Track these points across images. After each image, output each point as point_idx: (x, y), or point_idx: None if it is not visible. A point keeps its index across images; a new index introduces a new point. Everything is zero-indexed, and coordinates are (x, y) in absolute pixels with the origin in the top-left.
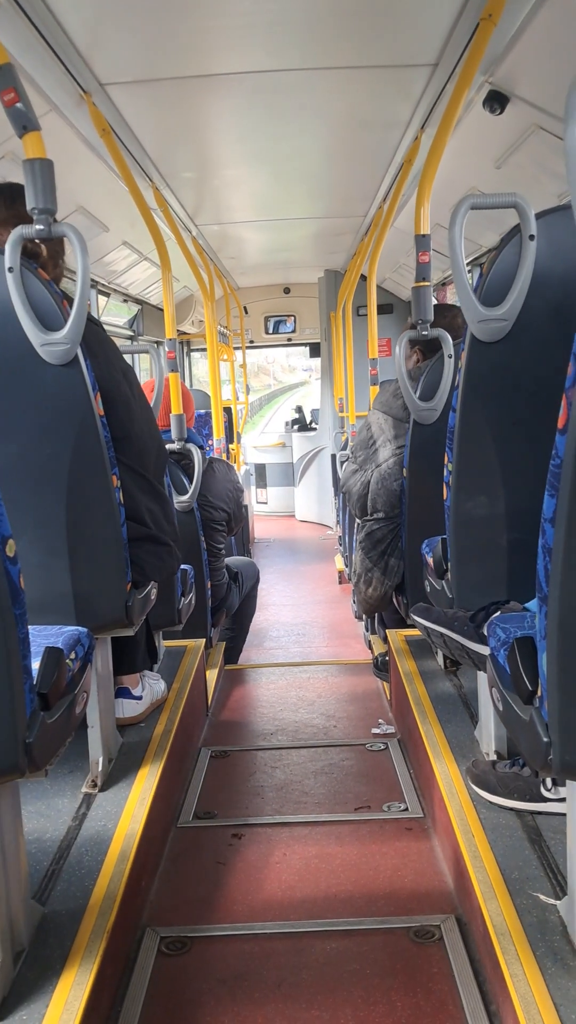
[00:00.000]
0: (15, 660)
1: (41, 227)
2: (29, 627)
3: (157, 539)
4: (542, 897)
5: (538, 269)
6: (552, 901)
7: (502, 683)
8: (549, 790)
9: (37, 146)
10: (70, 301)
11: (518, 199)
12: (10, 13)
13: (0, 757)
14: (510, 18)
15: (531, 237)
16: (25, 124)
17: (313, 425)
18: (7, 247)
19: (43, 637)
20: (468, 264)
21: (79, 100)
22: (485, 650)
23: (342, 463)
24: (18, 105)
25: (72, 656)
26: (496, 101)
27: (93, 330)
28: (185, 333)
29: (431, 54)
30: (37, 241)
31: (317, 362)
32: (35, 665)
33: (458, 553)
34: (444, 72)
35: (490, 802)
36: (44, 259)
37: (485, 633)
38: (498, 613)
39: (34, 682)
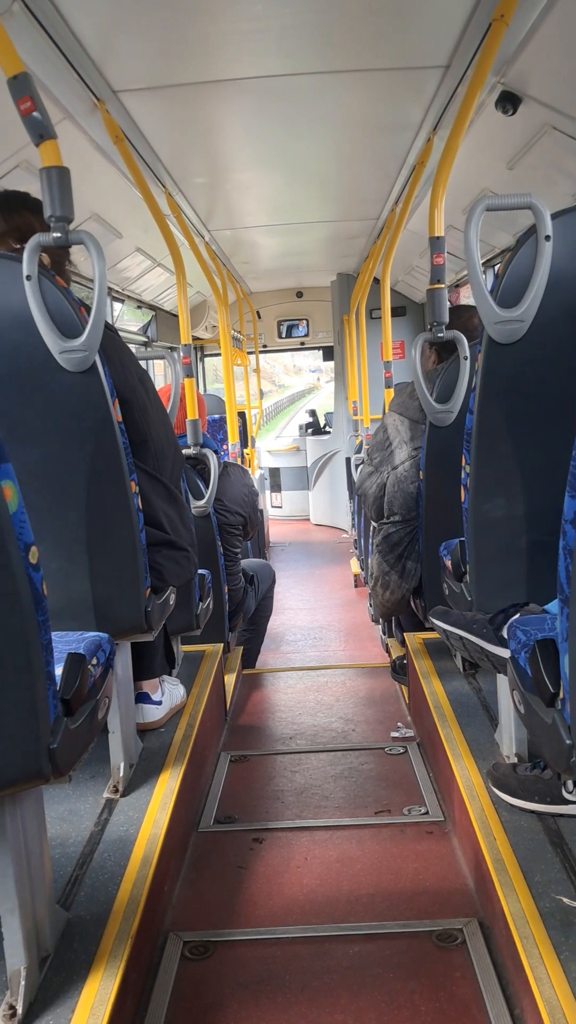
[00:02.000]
0: (39, 666)
1: (58, 235)
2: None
3: (175, 544)
4: (566, 900)
5: (554, 270)
6: None
7: (523, 686)
8: (571, 792)
9: (54, 154)
10: (87, 308)
11: (533, 200)
12: (24, 22)
13: (25, 764)
14: (522, 18)
15: (547, 238)
16: (42, 132)
17: (327, 429)
18: (25, 255)
19: (64, 643)
20: (481, 265)
21: (92, 108)
22: (505, 653)
23: (356, 466)
24: (35, 114)
25: (94, 662)
26: (508, 102)
27: (109, 336)
28: (199, 338)
29: (443, 56)
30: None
31: (326, 363)
32: (57, 671)
33: (477, 555)
34: (456, 73)
35: (511, 805)
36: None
37: (505, 636)
38: (517, 615)
39: (57, 688)
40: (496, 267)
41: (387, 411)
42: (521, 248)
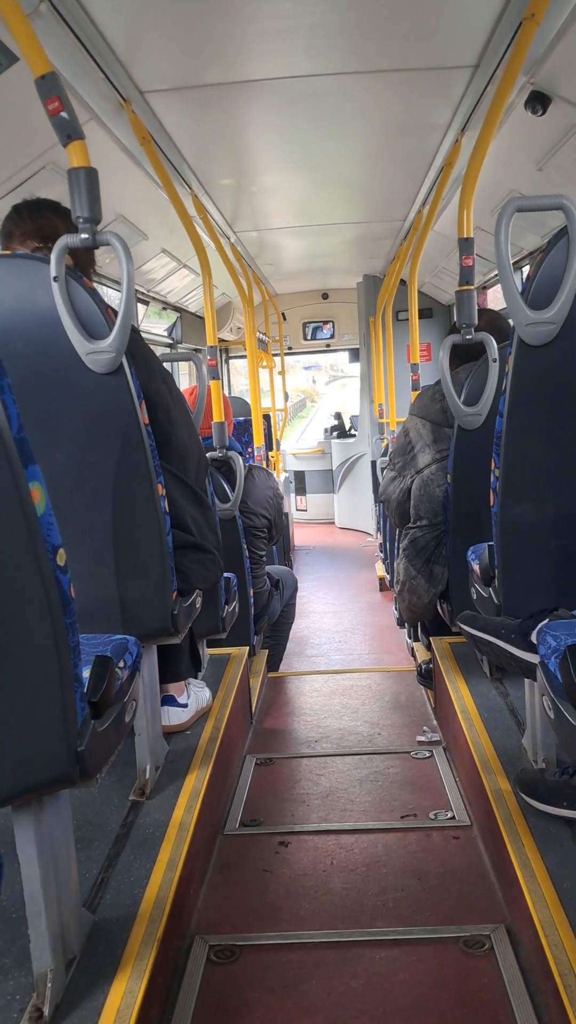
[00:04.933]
0: (67, 669)
1: (86, 236)
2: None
3: (201, 547)
4: None
5: None
6: None
7: (553, 691)
8: None
9: (81, 155)
10: (113, 310)
11: (565, 201)
12: (51, 22)
13: (53, 766)
14: (553, 17)
15: None
16: (70, 133)
17: (352, 432)
18: (52, 257)
19: (91, 646)
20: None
21: (119, 108)
22: (534, 658)
23: (382, 469)
24: (62, 114)
25: (121, 664)
26: (538, 102)
27: (133, 338)
28: (223, 340)
29: (472, 55)
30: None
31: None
32: (85, 674)
33: (505, 560)
34: (485, 73)
35: (539, 811)
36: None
37: (534, 641)
38: (547, 620)
39: (85, 691)
40: (524, 268)
41: (409, 415)
42: (552, 249)
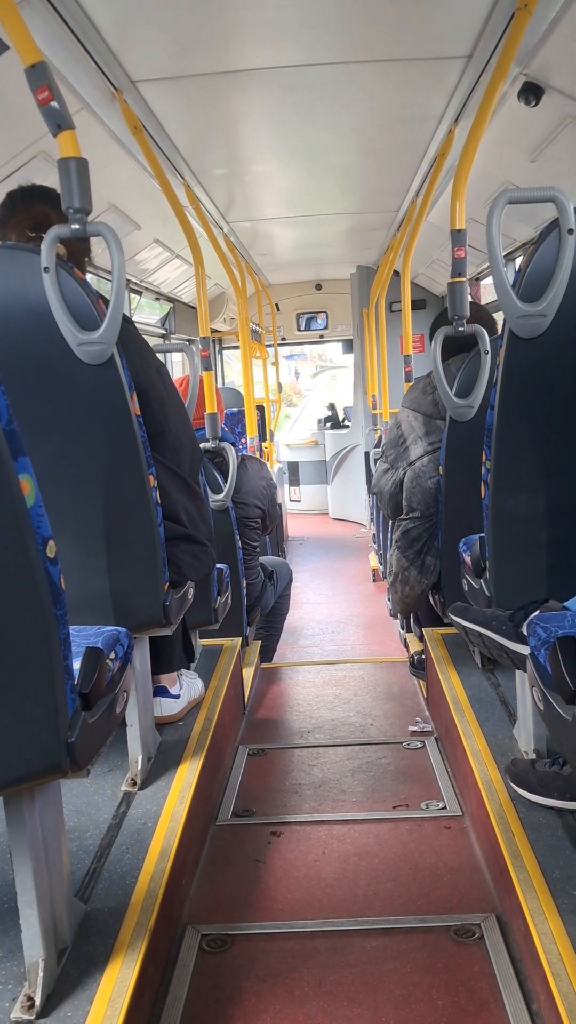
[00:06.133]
0: (57, 661)
1: (77, 226)
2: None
3: (193, 538)
4: None
5: None
6: None
7: (543, 683)
8: None
9: (72, 145)
10: (105, 301)
11: (556, 193)
12: (41, 11)
13: (43, 757)
14: (546, 7)
15: (570, 231)
16: (59, 122)
17: (346, 423)
18: (43, 247)
19: (82, 637)
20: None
21: (111, 98)
22: (524, 649)
23: (375, 461)
24: (52, 103)
25: (112, 656)
26: (531, 93)
27: (126, 328)
28: (217, 331)
29: (465, 46)
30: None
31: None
32: (75, 665)
33: (497, 551)
34: (478, 64)
35: (530, 801)
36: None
37: (525, 632)
38: (538, 612)
39: (75, 682)
40: (517, 260)
41: (400, 407)
42: (544, 242)
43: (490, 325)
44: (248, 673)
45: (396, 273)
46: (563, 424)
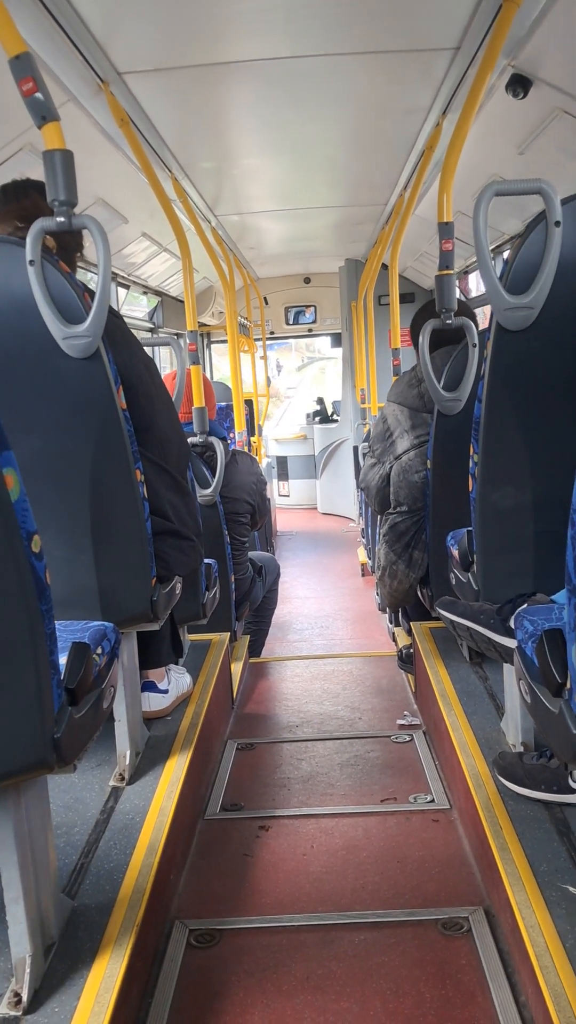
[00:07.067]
0: (43, 656)
1: (62, 219)
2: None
3: (180, 534)
4: (571, 889)
5: (564, 256)
6: None
7: (530, 676)
8: None
9: (56, 137)
10: (91, 294)
11: (543, 185)
12: (27, 1)
13: (29, 753)
14: None
15: (557, 224)
16: (44, 114)
17: (334, 417)
18: (28, 240)
19: (69, 632)
20: (491, 252)
21: (97, 90)
22: (512, 643)
23: (364, 455)
24: (37, 95)
25: (98, 651)
26: (519, 85)
27: (114, 322)
28: (205, 325)
29: (453, 38)
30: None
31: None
32: (62, 660)
33: (484, 545)
34: (466, 56)
35: (517, 794)
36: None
37: (512, 626)
38: (525, 605)
39: (61, 677)
40: (505, 253)
41: (386, 401)
42: (531, 234)
43: (471, 319)
44: (236, 668)
45: (384, 266)
46: (551, 417)
